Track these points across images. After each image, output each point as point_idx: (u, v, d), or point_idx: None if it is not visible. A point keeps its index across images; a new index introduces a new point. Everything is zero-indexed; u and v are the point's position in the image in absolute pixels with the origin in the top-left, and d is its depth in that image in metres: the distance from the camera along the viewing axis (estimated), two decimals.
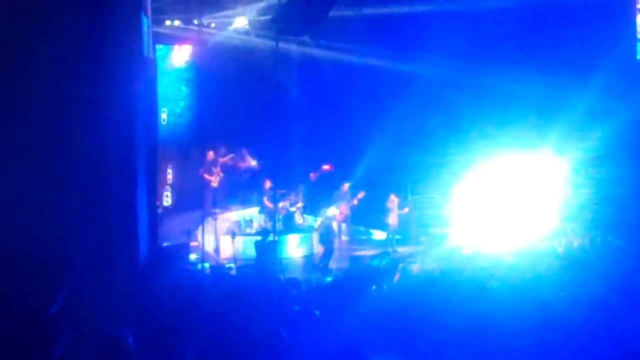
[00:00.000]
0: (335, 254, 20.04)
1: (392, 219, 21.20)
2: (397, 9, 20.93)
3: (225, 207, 22.10)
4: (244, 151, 23.14)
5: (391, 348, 6.68)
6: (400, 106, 20.36)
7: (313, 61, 23.04)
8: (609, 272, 11.42)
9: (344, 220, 22.34)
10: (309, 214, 21.91)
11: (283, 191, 21.27)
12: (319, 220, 20.98)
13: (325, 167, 22.51)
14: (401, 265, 15.73)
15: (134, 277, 11.69)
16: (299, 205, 21.63)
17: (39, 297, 8.47)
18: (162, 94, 18.80)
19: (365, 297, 9.28)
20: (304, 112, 23.40)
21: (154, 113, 15.94)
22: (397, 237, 21.37)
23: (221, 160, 22.19)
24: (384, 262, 17.41)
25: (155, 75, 16.42)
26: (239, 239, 20.39)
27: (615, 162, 18.59)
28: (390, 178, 21.28)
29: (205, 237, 19.63)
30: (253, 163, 23.07)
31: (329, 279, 16.73)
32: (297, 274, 18.43)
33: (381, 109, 21.08)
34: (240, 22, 21.24)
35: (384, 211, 21.26)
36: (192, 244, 18.49)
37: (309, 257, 20.38)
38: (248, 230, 20.99)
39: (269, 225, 20.59)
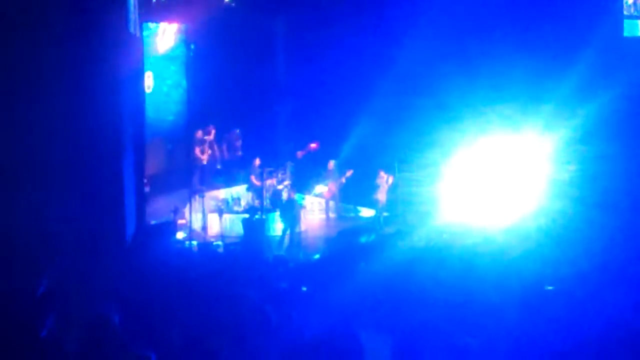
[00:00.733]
0: (316, 231, 20.16)
1: (381, 195, 21.26)
2: None
3: (212, 185, 22.07)
4: (237, 132, 23.12)
5: (379, 325, 6.69)
6: (388, 84, 20.34)
7: (300, 40, 22.96)
8: (594, 249, 11.47)
9: (332, 198, 22.37)
10: (296, 192, 21.90)
11: (270, 169, 21.25)
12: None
13: (312, 145, 22.51)
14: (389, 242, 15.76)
15: (121, 256, 11.69)
16: (287, 183, 21.63)
17: (25, 278, 8.46)
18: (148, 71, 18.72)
19: (353, 274, 9.27)
20: (292, 91, 23.37)
21: (140, 91, 15.89)
22: (385, 214, 21.43)
23: (207, 138, 22.10)
24: (371, 238, 17.44)
25: (142, 53, 16.36)
26: (227, 217, 20.42)
27: (601, 139, 18.63)
28: (378, 156, 21.31)
29: (193, 215, 19.63)
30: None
31: (317, 256, 16.75)
32: (284, 251, 18.48)
33: (369, 87, 21.03)
34: None
35: (373, 188, 21.31)
36: (180, 222, 18.50)
37: (297, 235, 20.41)
38: (236, 208, 21.00)
39: (257, 203, 20.59)
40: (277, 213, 20.18)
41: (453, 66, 19.91)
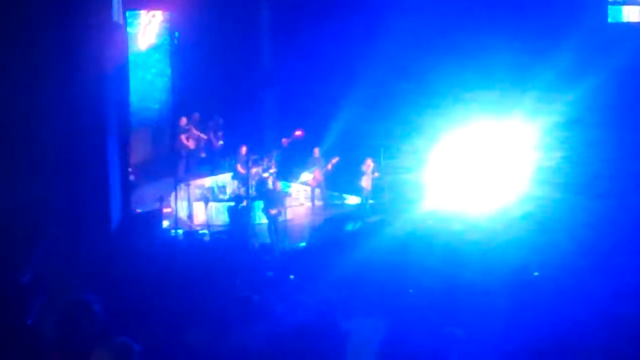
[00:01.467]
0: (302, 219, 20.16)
1: (366, 182, 21.27)
2: None
3: (197, 174, 22.01)
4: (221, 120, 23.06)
5: (365, 312, 6.69)
6: (373, 71, 20.32)
7: (286, 27, 22.91)
8: (580, 235, 11.52)
9: (318, 186, 22.36)
10: (282, 180, 21.87)
11: (256, 157, 21.19)
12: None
13: (298, 132, 22.46)
14: (375, 229, 15.78)
15: (107, 244, 11.66)
16: (272, 171, 21.57)
17: (10, 265, 8.41)
18: (132, 60, 18.60)
19: (339, 262, 9.28)
20: (277, 78, 23.33)
21: (125, 80, 15.81)
22: (371, 202, 21.45)
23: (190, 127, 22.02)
24: (357, 226, 17.47)
25: (126, 41, 16.27)
26: (212, 205, 20.36)
27: (586, 125, 18.68)
28: (364, 143, 21.29)
29: (178, 203, 19.57)
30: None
31: (303, 244, 16.77)
32: (270, 239, 18.47)
33: (354, 74, 21.01)
34: None
35: (358, 175, 21.32)
36: (165, 210, 18.43)
37: (282, 223, 20.39)
38: (221, 197, 20.94)
39: (242, 191, 20.55)
40: (262, 201, 20.14)
41: (438, 53, 19.93)
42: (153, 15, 21.62)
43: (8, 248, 9.32)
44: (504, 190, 18.65)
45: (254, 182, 20.82)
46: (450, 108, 19.76)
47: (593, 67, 18.49)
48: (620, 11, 21.37)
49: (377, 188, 21.42)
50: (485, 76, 19.53)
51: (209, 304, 6.51)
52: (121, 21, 14.78)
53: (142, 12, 21.34)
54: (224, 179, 21.77)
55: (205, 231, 18.65)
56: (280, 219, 19.55)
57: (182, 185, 20.35)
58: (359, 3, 21.80)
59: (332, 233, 16.98)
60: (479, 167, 19.59)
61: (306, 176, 22.33)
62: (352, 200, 22.47)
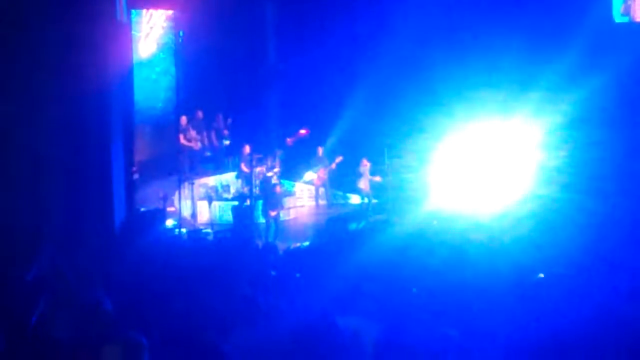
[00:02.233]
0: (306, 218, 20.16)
1: (364, 184, 21.28)
2: None
3: (201, 173, 22.02)
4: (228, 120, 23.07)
5: (368, 312, 6.68)
6: (378, 70, 20.30)
7: (290, 26, 22.90)
8: (584, 235, 11.50)
9: (322, 185, 22.35)
10: (286, 179, 21.87)
11: (260, 156, 21.19)
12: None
13: (302, 131, 22.45)
14: (378, 229, 15.76)
15: (111, 243, 11.67)
16: (276, 170, 21.57)
17: (14, 264, 8.41)
18: (137, 59, 18.62)
19: (342, 262, 9.27)
20: (281, 78, 23.32)
21: (129, 79, 15.82)
22: (374, 201, 21.43)
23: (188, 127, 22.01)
24: (361, 225, 17.45)
25: (130, 40, 16.28)
26: (216, 204, 20.36)
27: (591, 125, 18.63)
28: (367, 142, 21.29)
29: (182, 202, 19.59)
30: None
31: (307, 243, 16.75)
32: (273, 239, 18.47)
33: (359, 73, 21.01)
34: None
35: (355, 176, 21.34)
36: (169, 209, 18.44)
37: (287, 223, 20.40)
38: (225, 196, 20.94)
39: (246, 190, 20.54)
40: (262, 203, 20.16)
41: (442, 52, 19.90)
42: (152, 27, 21.60)
43: (12, 247, 9.32)
44: (508, 190, 18.62)
45: (258, 182, 20.82)
46: (454, 107, 19.71)
47: (598, 67, 18.43)
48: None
49: (381, 188, 21.39)
50: (490, 75, 19.49)
51: (212, 303, 6.51)
52: (125, 20, 14.79)
53: (144, 20, 21.33)
54: (228, 178, 21.78)
55: (209, 230, 18.64)
56: (281, 218, 19.59)
57: (186, 184, 20.34)
58: (364, 3, 21.78)
59: (336, 232, 16.96)
60: (484, 167, 19.55)
61: (310, 175, 22.33)
62: (355, 199, 22.47)
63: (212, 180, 21.70)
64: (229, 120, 22.97)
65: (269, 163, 21.47)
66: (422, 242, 11.40)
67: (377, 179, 21.25)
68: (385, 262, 9.17)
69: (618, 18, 20.53)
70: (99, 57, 11.63)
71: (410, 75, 20.41)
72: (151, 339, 5.30)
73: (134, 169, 16.14)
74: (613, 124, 18.68)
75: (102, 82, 11.80)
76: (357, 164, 21.35)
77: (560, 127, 19.16)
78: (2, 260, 8.19)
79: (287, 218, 20.38)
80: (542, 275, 8.04)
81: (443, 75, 19.58)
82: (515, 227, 13.67)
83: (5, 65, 10.51)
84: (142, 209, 16.54)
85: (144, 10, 21.09)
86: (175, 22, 21.88)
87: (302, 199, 22.49)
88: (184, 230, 17.77)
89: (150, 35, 21.70)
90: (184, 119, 21.81)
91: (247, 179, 20.76)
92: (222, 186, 21.31)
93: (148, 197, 18.43)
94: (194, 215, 20.30)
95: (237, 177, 21.50)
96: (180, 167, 20.93)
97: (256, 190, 20.49)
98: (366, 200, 21.52)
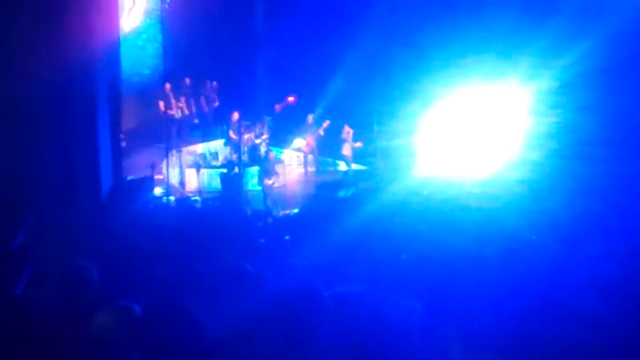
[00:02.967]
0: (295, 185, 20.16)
1: (347, 150, 21.27)
2: None
3: (189, 140, 21.94)
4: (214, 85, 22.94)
5: (356, 279, 6.67)
6: (367, 35, 20.21)
7: None
8: (572, 201, 11.51)
9: (311, 152, 22.30)
10: (274, 146, 21.80)
11: (248, 123, 21.11)
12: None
13: (290, 98, 22.36)
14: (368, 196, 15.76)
15: (98, 211, 11.63)
16: (265, 137, 21.50)
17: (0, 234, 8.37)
18: (124, 28, 18.44)
19: (330, 229, 9.25)
20: (270, 43, 23.18)
21: (115, 45, 15.67)
22: (356, 167, 21.43)
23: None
24: (350, 192, 17.45)
25: (117, 7, 16.12)
26: (204, 172, 20.31)
27: (580, 90, 18.58)
28: (356, 108, 21.21)
29: (170, 170, 19.52)
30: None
31: (296, 210, 16.74)
32: (262, 206, 18.44)
33: (347, 38, 20.90)
34: None
35: (339, 142, 21.33)
36: (157, 177, 18.38)
37: (275, 189, 20.36)
38: (213, 163, 20.88)
39: (234, 157, 20.48)
40: (255, 167, 20.10)
41: (432, 16, 19.79)
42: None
43: None
44: (497, 156, 18.60)
45: (246, 149, 20.75)
46: (444, 72, 19.62)
47: (588, 31, 18.35)
48: None
49: (369, 154, 21.36)
50: (479, 41, 19.38)
51: (200, 271, 6.48)
52: None
53: None
54: (216, 146, 21.71)
55: (197, 198, 18.60)
56: (275, 185, 19.55)
57: (174, 152, 20.27)
58: None
59: (325, 199, 16.96)
60: (473, 133, 19.50)
61: (299, 142, 22.26)
62: (344, 166, 22.45)
63: (200, 148, 21.63)
64: (214, 84, 22.83)
65: (257, 130, 21.39)
66: (412, 209, 11.40)
67: (358, 144, 21.23)
68: (374, 229, 9.16)
69: None
70: (85, 24, 11.51)
71: (400, 40, 20.29)
72: (139, 305, 5.28)
73: (121, 136, 16.05)
74: (602, 89, 18.63)
75: (88, 50, 11.69)
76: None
77: (550, 92, 19.11)
78: None
79: (275, 185, 20.34)
80: (534, 237, 8.06)
81: (433, 40, 19.47)
82: (505, 193, 13.67)
83: None
84: (130, 177, 16.47)
85: None
86: None
87: (291, 166, 22.45)
88: (172, 198, 17.71)
89: (136, 3, 21.49)
90: (167, 86, 21.67)
91: (236, 146, 20.69)
92: (211, 153, 21.25)
93: (136, 165, 18.33)
94: (182, 183, 20.25)
95: (226, 144, 21.41)
96: (168, 134, 20.83)
97: (244, 157, 20.43)
98: (350, 167, 21.50)
